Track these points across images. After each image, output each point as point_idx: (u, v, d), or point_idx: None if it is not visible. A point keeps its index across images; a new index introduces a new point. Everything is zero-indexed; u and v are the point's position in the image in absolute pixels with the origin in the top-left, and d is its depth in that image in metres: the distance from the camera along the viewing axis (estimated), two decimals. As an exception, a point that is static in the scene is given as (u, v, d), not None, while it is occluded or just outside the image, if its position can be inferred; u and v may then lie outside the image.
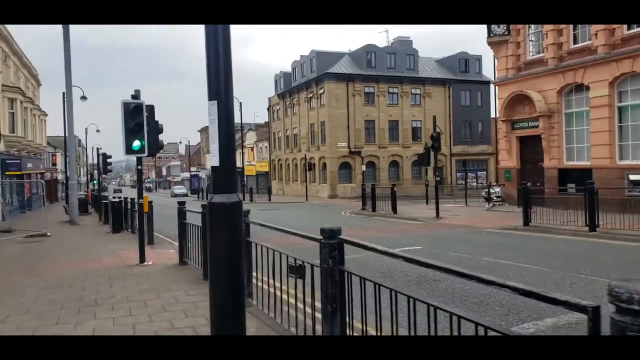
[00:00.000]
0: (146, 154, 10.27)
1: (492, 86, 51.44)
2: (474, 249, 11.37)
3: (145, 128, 10.17)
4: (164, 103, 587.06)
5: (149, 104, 10.15)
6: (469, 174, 50.25)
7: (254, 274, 5.87)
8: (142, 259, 10.45)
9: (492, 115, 50.67)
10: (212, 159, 3.57)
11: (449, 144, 48.36)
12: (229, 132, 3.61)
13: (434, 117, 22.43)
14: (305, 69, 47.96)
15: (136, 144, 10.03)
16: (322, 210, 28.77)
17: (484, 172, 50.61)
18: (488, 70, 51.51)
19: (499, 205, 23.29)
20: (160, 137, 10.73)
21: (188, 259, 9.64)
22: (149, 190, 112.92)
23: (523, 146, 23.28)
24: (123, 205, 17.54)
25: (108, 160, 25.49)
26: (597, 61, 18.96)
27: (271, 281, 5.14)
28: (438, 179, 19.28)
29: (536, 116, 21.60)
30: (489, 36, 23.50)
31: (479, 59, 49.96)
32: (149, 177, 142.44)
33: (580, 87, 20.19)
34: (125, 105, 9.91)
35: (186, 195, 64.78)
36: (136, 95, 10.26)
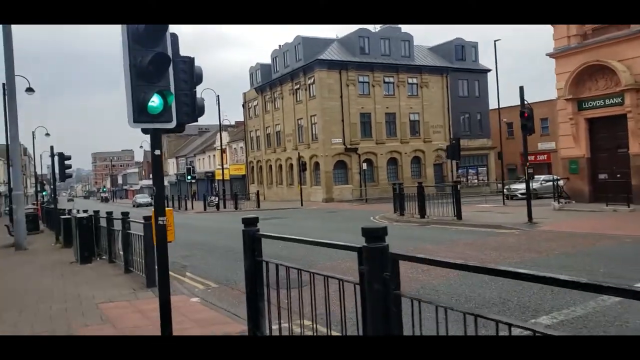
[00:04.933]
0: (174, 121, 5.03)
1: (488, 75, 48.28)
2: None
3: (172, 69, 4.99)
4: (119, 109, 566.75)
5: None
6: (469, 170, 46.42)
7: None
8: (166, 327, 5.13)
9: (491, 106, 47.19)
10: None
11: (448, 139, 44.26)
12: None
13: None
14: (289, 58, 42.66)
15: (155, 101, 4.78)
16: (339, 217, 23.60)
17: (484, 168, 46.90)
18: (484, 59, 47.79)
19: (565, 203, 18.90)
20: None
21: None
22: (105, 200, 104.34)
23: (594, 130, 19.04)
24: (94, 223, 11.93)
25: (66, 162, 19.47)
26: None
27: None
28: (530, 171, 14.57)
29: (619, 91, 17.37)
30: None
31: (474, 46, 46.24)
32: (103, 187, 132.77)
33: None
34: (130, 27, 4.72)
35: (150, 204, 58.00)
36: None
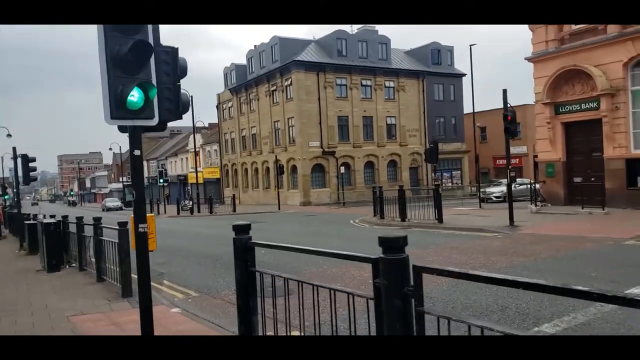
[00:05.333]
0: (156, 118, 4.61)
1: (463, 80, 48.74)
2: None
3: (153, 60, 4.56)
4: (85, 111, 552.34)
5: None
6: (444, 173, 46.73)
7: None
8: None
9: (465, 110, 47.72)
10: None
11: (424, 143, 44.52)
12: None
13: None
14: (265, 59, 42.15)
15: (134, 95, 4.35)
16: (318, 221, 23.25)
17: (459, 172, 47.33)
18: (459, 63, 48.32)
19: (542, 205, 19.01)
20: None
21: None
22: (73, 204, 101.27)
23: (570, 134, 19.24)
24: (63, 228, 11.26)
25: (31, 164, 18.52)
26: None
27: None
28: (512, 174, 14.54)
29: (595, 96, 17.56)
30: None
31: (450, 50, 46.68)
32: (70, 190, 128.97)
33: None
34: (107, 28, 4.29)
35: (121, 208, 56.44)
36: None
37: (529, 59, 20.11)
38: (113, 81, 4.23)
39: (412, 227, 15.93)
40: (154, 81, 4.47)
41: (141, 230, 4.69)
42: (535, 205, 18.61)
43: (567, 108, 18.88)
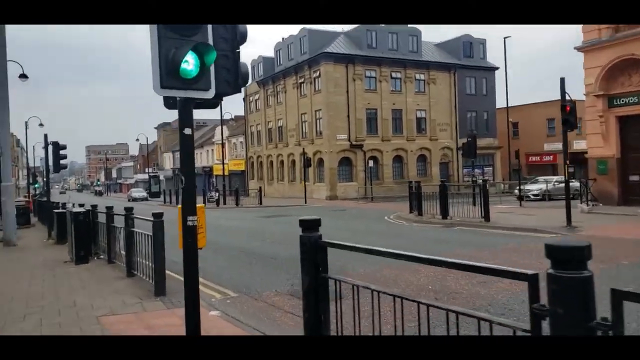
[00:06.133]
0: (212, 90, 3.80)
1: (496, 73, 47.03)
2: None
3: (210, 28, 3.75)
4: (113, 103, 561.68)
5: None
6: (475, 169, 45.23)
7: None
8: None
9: (498, 105, 46.10)
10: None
11: (455, 137, 43.22)
12: None
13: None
14: (293, 51, 41.32)
15: (189, 62, 3.53)
16: (348, 216, 22.39)
17: (490, 168, 45.80)
18: (492, 56, 46.73)
19: (593, 205, 17.77)
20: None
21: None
22: (99, 194, 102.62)
23: (626, 129, 17.92)
24: (92, 218, 10.68)
25: (62, 152, 18.14)
26: None
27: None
28: (570, 170, 13.41)
29: (657, 87, 16.26)
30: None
31: (482, 43, 45.10)
32: (97, 180, 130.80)
33: None
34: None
35: (146, 199, 56.61)
36: None
37: (579, 49, 18.81)
38: (164, 43, 3.46)
39: (455, 226, 14.96)
40: (210, 38, 3.70)
41: (190, 223, 3.93)
42: (587, 205, 17.37)
43: (622, 100, 17.56)
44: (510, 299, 6.42)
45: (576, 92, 32.74)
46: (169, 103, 4.15)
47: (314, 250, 3.62)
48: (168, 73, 3.53)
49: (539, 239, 11.60)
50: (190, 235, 3.93)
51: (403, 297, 2.94)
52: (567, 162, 13.01)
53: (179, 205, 4.09)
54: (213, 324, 5.96)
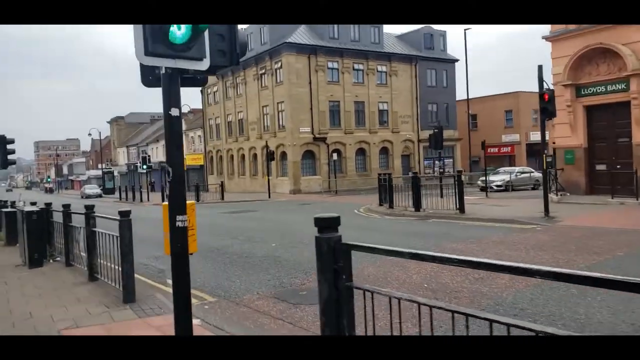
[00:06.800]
0: (207, 61, 3.01)
1: (456, 65, 47.48)
2: None
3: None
4: (64, 97, 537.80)
5: None
6: (436, 161, 45.58)
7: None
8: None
9: (458, 97, 46.59)
10: None
11: (416, 129, 43.37)
12: None
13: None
14: (253, 41, 40.09)
15: (181, 29, 2.71)
16: (317, 210, 21.73)
17: (451, 160, 46.28)
18: (452, 48, 47.13)
19: (561, 195, 17.90)
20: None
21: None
22: (50, 191, 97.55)
23: (593, 119, 18.12)
24: (47, 217, 9.58)
25: (9, 146, 16.51)
26: None
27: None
28: (548, 160, 13.22)
29: (624, 76, 16.43)
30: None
31: (443, 35, 45.36)
32: (47, 177, 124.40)
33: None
34: None
35: (100, 195, 53.99)
36: None
37: (547, 38, 18.86)
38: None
39: (430, 218, 14.59)
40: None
41: (179, 224, 3.15)
42: (556, 195, 17.46)
43: (590, 90, 17.72)
44: (517, 297, 5.98)
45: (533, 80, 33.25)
46: (148, 80, 3.36)
47: (332, 254, 2.95)
48: (154, 37, 2.75)
49: (522, 230, 11.36)
50: (179, 239, 3.16)
51: (455, 311, 2.33)
52: (545, 152, 12.85)
53: (165, 203, 3.31)
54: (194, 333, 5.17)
